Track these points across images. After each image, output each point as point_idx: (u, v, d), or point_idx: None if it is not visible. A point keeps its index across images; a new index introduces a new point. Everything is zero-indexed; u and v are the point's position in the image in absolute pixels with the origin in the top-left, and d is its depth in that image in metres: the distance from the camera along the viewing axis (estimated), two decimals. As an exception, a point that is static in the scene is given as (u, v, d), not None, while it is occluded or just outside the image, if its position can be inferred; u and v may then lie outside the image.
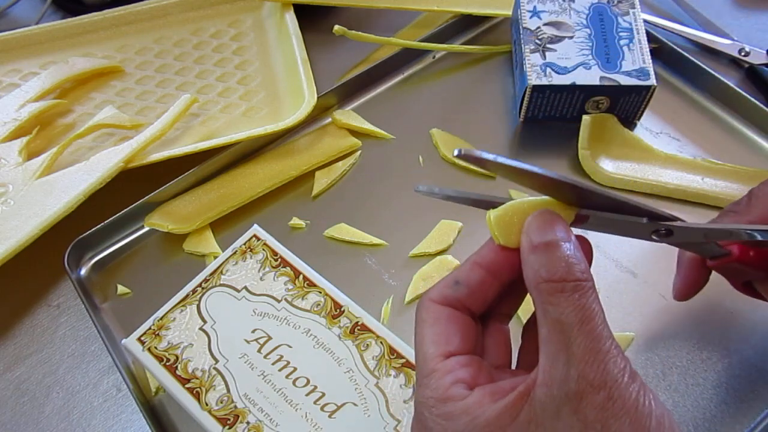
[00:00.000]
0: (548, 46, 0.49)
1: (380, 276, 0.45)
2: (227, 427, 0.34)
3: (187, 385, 0.36)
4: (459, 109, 0.53)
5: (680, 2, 0.60)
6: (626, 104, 0.49)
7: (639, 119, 0.51)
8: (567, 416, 0.23)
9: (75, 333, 0.44)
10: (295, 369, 0.36)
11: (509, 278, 0.28)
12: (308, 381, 0.35)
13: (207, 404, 0.35)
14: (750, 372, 0.40)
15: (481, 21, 0.58)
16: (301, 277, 0.39)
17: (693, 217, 0.46)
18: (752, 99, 0.50)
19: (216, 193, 0.48)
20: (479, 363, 0.27)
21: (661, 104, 0.51)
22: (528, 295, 0.27)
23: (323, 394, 0.35)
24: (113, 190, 0.46)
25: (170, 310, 0.38)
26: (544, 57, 0.49)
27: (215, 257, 0.44)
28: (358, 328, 0.37)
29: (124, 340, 0.38)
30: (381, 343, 0.36)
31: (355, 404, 0.34)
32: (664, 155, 0.49)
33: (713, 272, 0.37)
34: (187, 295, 0.39)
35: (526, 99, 0.49)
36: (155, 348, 0.37)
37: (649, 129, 0.51)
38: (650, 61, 0.48)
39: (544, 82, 0.47)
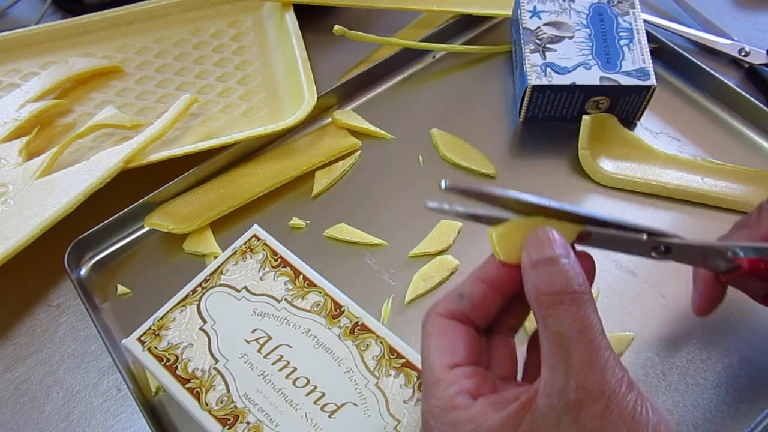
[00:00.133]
0: (548, 46, 0.49)
1: (380, 276, 0.45)
2: (227, 427, 0.34)
3: (187, 385, 0.36)
4: (459, 109, 0.53)
5: (680, 2, 0.60)
6: (626, 104, 0.49)
7: (639, 119, 0.51)
8: (567, 425, 0.24)
9: (75, 333, 0.44)
10: (295, 369, 0.36)
11: (510, 293, 0.29)
12: (308, 381, 0.35)
13: (207, 404, 0.35)
14: (750, 372, 0.40)
15: (481, 21, 0.58)
16: (301, 277, 0.39)
17: (693, 217, 0.46)
18: (752, 99, 0.50)
19: (216, 193, 0.48)
20: (483, 374, 0.28)
21: (661, 104, 0.51)
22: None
23: (323, 394, 0.35)
24: (113, 190, 0.46)
25: (170, 310, 0.38)
26: (544, 57, 0.49)
27: (215, 257, 0.44)
28: (358, 328, 0.37)
29: (124, 340, 0.38)
30: (381, 343, 0.36)
31: (355, 404, 0.34)
32: (664, 155, 0.49)
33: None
34: (187, 295, 0.39)
35: (526, 99, 0.49)
36: (155, 348, 0.37)
37: (649, 129, 0.51)
38: (650, 61, 0.48)
39: (544, 82, 0.47)
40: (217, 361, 0.36)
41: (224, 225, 0.48)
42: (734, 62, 0.56)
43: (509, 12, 0.55)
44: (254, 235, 0.41)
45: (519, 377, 0.30)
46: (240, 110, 0.53)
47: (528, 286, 0.26)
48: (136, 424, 0.40)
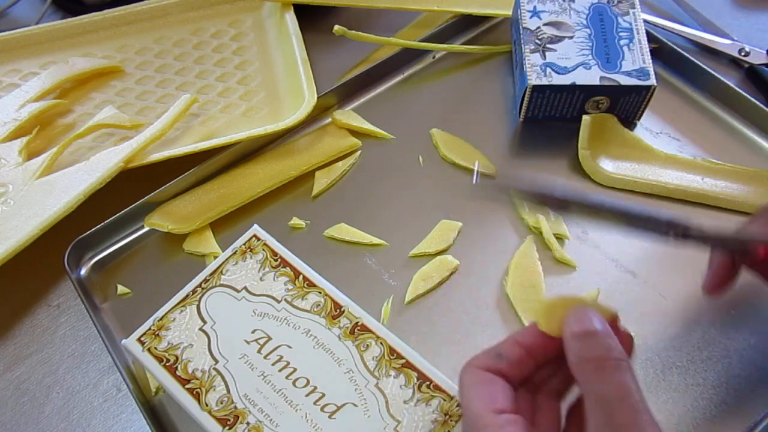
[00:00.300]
0: (548, 46, 0.49)
1: (380, 276, 0.45)
2: (227, 427, 0.34)
3: (187, 386, 0.36)
4: (459, 109, 0.53)
5: (680, 2, 0.59)
6: (626, 104, 0.49)
7: (639, 119, 0.51)
8: None
9: (75, 333, 0.44)
10: (295, 369, 0.36)
11: (543, 360, 0.31)
12: (308, 381, 0.35)
13: (207, 405, 0.35)
14: (750, 372, 0.40)
15: (481, 21, 0.58)
16: (301, 277, 0.39)
17: (693, 217, 0.46)
18: (752, 99, 0.50)
19: (216, 193, 0.48)
20: (527, 425, 0.29)
21: (661, 104, 0.51)
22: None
23: (323, 395, 0.35)
24: (113, 190, 0.46)
25: (170, 310, 0.38)
26: (544, 57, 0.49)
27: (215, 257, 0.44)
28: (358, 328, 0.37)
29: (124, 341, 0.38)
30: (381, 343, 0.36)
31: (355, 405, 0.34)
32: (664, 155, 0.49)
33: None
34: (187, 296, 0.39)
35: (526, 99, 0.49)
36: (155, 348, 0.37)
37: (649, 129, 0.51)
38: (650, 61, 0.48)
39: (544, 82, 0.47)
40: (217, 361, 0.36)
41: (224, 225, 0.48)
42: (734, 62, 0.56)
43: (509, 12, 0.55)
44: (254, 235, 0.41)
45: None
46: (240, 110, 0.53)
47: (570, 354, 0.28)
48: (136, 424, 0.40)
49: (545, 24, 0.50)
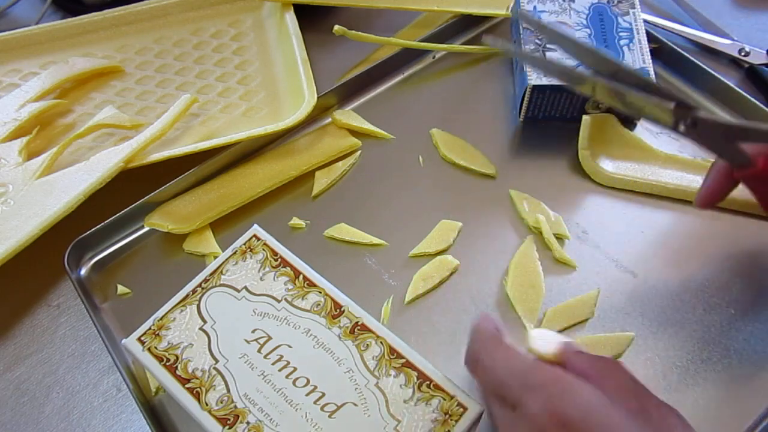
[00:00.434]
0: (548, 46, 0.49)
1: (380, 276, 0.45)
2: (227, 427, 0.34)
3: (187, 385, 0.36)
4: (459, 109, 0.53)
5: (680, 2, 0.60)
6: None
7: (639, 119, 0.51)
8: None
9: (75, 333, 0.44)
10: (295, 369, 0.36)
11: None
12: (308, 381, 0.35)
13: (207, 404, 0.35)
14: (750, 372, 0.40)
15: (481, 21, 0.58)
16: (301, 277, 0.39)
17: (693, 217, 0.46)
18: (752, 99, 0.50)
19: (216, 193, 0.48)
20: None
21: (661, 104, 0.51)
22: None
23: (323, 394, 0.35)
24: (113, 190, 0.46)
25: (170, 310, 0.38)
26: (545, 57, 0.49)
27: (215, 257, 0.44)
28: (358, 328, 0.37)
29: (124, 340, 0.38)
30: (381, 343, 0.36)
31: (355, 404, 0.34)
32: (664, 155, 0.49)
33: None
34: (187, 295, 0.39)
35: (526, 99, 0.49)
36: (155, 348, 0.37)
37: (649, 129, 0.51)
38: (650, 61, 0.48)
39: (544, 82, 0.47)
40: (217, 361, 0.36)
41: (224, 225, 0.48)
42: (734, 62, 0.56)
43: (509, 12, 0.55)
44: (254, 235, 0.41)
45: None
46: (240, 110, 0.53)
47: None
48: (136, 424, 0.40)
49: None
